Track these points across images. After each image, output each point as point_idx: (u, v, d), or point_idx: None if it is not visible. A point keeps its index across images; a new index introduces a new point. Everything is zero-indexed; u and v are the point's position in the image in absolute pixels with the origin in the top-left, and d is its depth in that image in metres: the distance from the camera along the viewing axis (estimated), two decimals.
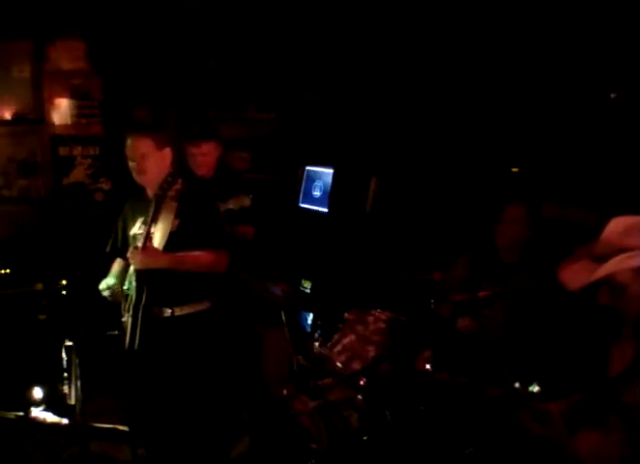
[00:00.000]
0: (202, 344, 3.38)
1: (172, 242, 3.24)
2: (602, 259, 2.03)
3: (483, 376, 2.95)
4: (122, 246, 3.48)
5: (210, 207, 3.46)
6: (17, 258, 4.58)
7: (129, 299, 3.33)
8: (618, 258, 2.01)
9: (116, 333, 3.46)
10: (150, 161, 3.33)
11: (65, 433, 4.04)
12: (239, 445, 3.90)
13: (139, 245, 3.20)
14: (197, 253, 3.28)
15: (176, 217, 3.28)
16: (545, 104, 4.08)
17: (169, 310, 3.30)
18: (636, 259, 1.99)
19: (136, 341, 3.25)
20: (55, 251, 4.91)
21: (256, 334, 4.49)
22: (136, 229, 3.39)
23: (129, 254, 3.26)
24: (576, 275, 2.08)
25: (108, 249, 3.58)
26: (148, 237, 3.17)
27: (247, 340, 4.36)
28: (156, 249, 3.20)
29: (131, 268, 3.33)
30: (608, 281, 2.05)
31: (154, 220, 3.22)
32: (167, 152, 3.39)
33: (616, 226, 2.07)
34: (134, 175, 3.38)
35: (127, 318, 3.33)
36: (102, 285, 3.45)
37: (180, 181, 3.37)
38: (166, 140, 3.42)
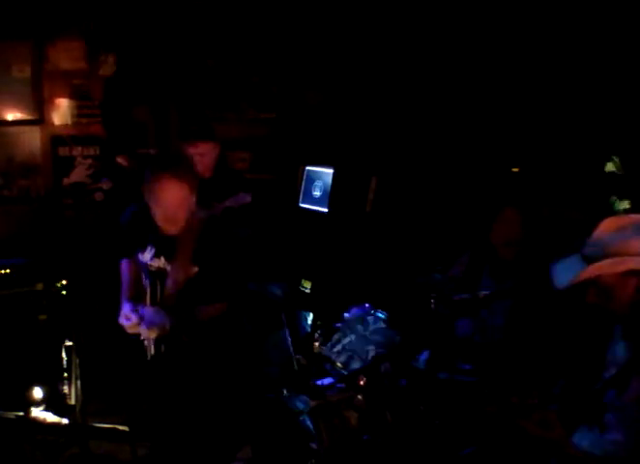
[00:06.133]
0: (217, 345, 3.32)
1: (187, 287, 3.08)
2: (591, 259, 2.03)
3: (483, 378, 2.95)
4: (129, 251, 3.31)
5: (230, 253, 3.15)
6: (17, 258, 4.58)
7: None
8: (606, 261, 2.00)
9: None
10: (183, 210, 2.98)
11: (65, 433, 4.04)
12: (239, 445, 3.90)
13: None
14: (209, 308, 3.13)
15: (194, 262, 3.06)
16: (545, 105, 4.08)
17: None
18: (624, 264, 1.98)
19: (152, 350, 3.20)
20: (55, 251, 4.91)
21: (256, 334, 4.49)
22: (148, 258, 3.17)
23: (143, 331, 3.06)
24: (564, 274, 2.08)
25: (117, 253, 3.36)
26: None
27: (248, 340, 4.36)
28: (170, 320, 3.04)
29: None
30: (595, 282, 2.04)
31: (171, 259, 3.08)
32: (195, 197, 3.04)
33: (607, 227, 2.06)
34: (163, 223, 3.03)
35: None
36: (124, 321, 3.15)
37: (199, 219, 3.13)
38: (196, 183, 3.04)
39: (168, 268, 3.09)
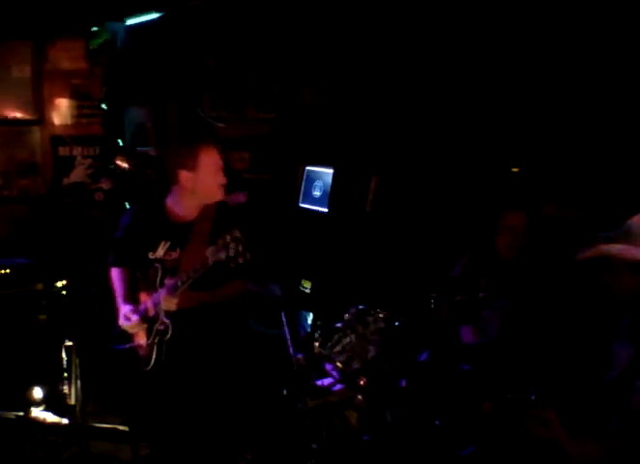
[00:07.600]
0: (221, 336, 3.29)
1: (205, 274, 2.99)
2: (611, 240, 2.01)
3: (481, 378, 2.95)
4: (129, 259, 3.27)
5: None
6: (17, 258, 4.58)
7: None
8: (622, 246, 1.97)
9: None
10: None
11: (65, 433, 4.05)
12: (239, 444, 3.90)
13: (177, 287, 2.98)
14: (228, 287, 3.16)
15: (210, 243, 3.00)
16: (545, 105, 4.08)
17: None
18: (636, 254, 1.96)
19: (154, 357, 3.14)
20: (55, 251, 4.91)
21: (256, 334, 4.49)
22: (162, 253, 3.15)
23: (164, 300, 3.02)
24: (588, 247, 2.06)
25: (113, 261, 3.32)
26: (186, 281, 2.96)
27: (248, 340, 4.36)
28: (192, 294, 3.03)
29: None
30: (608, 263, 2.02)
31: (185, 248, 3.08)
32: None
33: None
34: (218, 194, 3.15)
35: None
36: (125, 321, 3.14)
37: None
38: None
39: (182, 257, 3.07)
